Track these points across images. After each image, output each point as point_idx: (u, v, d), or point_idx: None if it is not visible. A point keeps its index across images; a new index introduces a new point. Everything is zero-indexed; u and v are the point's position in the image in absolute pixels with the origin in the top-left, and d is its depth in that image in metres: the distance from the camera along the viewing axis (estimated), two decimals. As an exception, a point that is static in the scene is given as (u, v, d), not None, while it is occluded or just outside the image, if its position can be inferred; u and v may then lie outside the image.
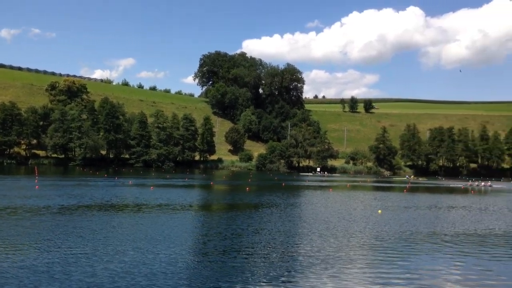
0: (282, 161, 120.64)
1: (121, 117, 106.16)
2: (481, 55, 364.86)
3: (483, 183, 73.14)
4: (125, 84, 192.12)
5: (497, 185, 75.89)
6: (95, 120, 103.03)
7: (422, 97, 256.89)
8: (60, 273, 11.73)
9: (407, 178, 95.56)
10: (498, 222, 25.04)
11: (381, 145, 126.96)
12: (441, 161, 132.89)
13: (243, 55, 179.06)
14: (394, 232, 20.21)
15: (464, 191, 56.39)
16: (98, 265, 12.59)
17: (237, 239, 17.16)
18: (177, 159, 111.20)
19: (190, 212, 25.37)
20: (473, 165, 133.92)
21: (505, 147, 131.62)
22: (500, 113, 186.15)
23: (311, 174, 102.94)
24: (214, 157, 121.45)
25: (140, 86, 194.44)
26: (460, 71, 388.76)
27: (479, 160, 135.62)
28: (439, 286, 11.89)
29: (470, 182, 78.15)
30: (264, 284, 11.49)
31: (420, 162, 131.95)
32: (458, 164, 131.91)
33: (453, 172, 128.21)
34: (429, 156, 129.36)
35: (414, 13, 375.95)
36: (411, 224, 22.80)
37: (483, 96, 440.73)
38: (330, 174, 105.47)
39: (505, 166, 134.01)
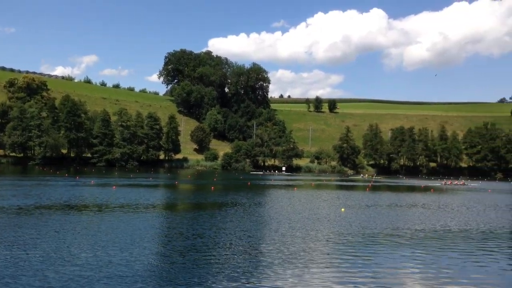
0: (247, 160, 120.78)
1: (83, 115, 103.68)
2: (441, 57, 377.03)
3: (456, 182, 76.45)
4: (87, 81, 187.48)
5: (472, 184, 78.90)
6: (55, 118, 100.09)
7: (385, 98, 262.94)
8: (8, 277, 11.16)
9: (362, 177, 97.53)
10: (456, 220, 25.70)
11: (344, 145, 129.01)
12: (402, 160, 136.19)
13: (208, 53, 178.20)
14: (356, 230, 20.40)
15: (424, 189, 57.85)
16: (50, 269, 12.04)
17: (199, 239, 16.88)
18: (141, 158, 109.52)
19: (153, 212, 24.86)
20: (432, 164, 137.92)
21: (463, 147, 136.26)
22: (458, 113, 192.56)
23: (261, 173, 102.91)
24: (179, 156, 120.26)
25: (103, 84, 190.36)
26: (436, 75, 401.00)
27: (438, 159, 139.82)
28: (399, 283, 12.01)
29: (444, 181, 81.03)
30: (225, 284, 11.29)
31: (382, 161, 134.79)
32: (418, 163, 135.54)
33: (413, 171, 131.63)
34: (391, 155, 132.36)
35: (377, 15, 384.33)
36: (373, 222, 23.10)
37: (443, 97, 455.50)
38: (279, 173, 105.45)
39: (463, 165, 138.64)
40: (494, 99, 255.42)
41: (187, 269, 12.52)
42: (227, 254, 14.55)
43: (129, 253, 14.22)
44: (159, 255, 14.25)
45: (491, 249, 17.27)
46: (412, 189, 58.80)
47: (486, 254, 16.21)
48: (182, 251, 14.85)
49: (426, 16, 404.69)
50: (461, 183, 75.16)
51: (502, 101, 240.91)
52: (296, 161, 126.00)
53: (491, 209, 33.19)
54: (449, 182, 76.79)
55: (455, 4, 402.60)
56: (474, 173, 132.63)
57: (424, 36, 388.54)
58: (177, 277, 11.72)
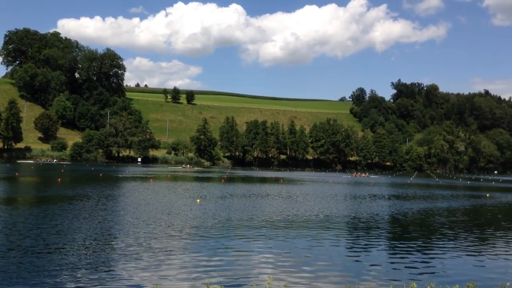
0: (100, 150, 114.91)
1: None
2: (292, 56, 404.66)
3: (362, 174, 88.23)
4: None
5: (373, 176, 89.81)
6: None
7: (241, 92, 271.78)
8: None
9: (183, 167, 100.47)
10: (301, 208, 27.73)
11: (202, 136, 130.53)
12: (256, 152, 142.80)
13: (56, 35, 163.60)
14: (211, 220, 20.73)
15: (275, 180, 61.41)
16: None
17: (43, 236, 15.42)
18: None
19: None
20: (283, 156, 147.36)
21: (309, 141, 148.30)
22: (306, 109, 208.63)
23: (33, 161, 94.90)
24: (20, 145, 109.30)
25: None
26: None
27: (288, 152, 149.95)
28: (253, 268, 12.49)
29: (355, 173, 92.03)
30: (74, 283, 10.51)
31: (237, 153, 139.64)
32: (270, 155, 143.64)
33: (266, 163, 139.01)
34: (246, 147, 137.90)
35: (236, 10, 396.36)
36: (227, 212, 23.70)
37: (293, 94, 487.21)
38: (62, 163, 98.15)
39: (309, 157, 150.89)
40: (336, 97, 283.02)
41: (30, 269, 11.36)
42: (76, 250, 13.55)
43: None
44: (-6, 256, 12.65)
45: (331, 233, 19.03)
46: (263, 180, 61.97)
47: (327, 238, 17.81)
48: (24, 249, 13.41)
49: (280, 17, 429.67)
50: (366, 175, 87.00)
51: (343, 99, 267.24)
52: (152, 152, 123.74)
53: (330, 198, 36.66)
54: (358, 175, 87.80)
55: (307, 7, 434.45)
56: (318, 164, 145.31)
57: (278, 35, 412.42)
58: (19, 278, 10.57)
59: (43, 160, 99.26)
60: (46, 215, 20.17)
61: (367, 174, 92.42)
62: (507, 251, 16.51)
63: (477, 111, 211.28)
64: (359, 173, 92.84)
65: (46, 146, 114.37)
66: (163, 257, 13.35)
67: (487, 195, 45.22)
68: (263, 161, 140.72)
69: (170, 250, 14.27)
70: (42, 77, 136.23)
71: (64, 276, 11.03)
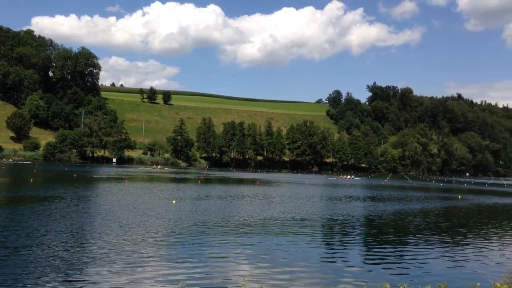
0: (74, 150, 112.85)
1: None
2: (270, 57, 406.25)
3: (347, 176, 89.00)
4: None
5: (357, 177, 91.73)
6: None
7: (218, 92, 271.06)
8: None
9: (154, 167, 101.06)
10: (277, 209, 27.74)
11: (178, 137, 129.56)
12: (232, 153, 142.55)
13: (30, 33, 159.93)
14: (187, 221, 20.54)
15: (251, 182, 61.38)
16: None
17: (11, 239, 14.98)
18: None
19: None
20: (259, 158, 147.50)
21: (286, 142, 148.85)
22: (283, 111, 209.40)
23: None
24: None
25: None
26: (233, 75, 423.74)
27: (265, 153, 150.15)
28: (229, 270, 12.41)
29: (341, 176, 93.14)
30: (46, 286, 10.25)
31: (214, 154, 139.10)
32: (247, 157, 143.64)
33: (242, 164, 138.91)
34: (223, 148, 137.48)
35: (214, 11, 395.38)
36: (203, 213, 23.54)
37: (270, 95, 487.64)
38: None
39: (286, 159, 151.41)
40: (313, 99, 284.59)
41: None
42: (39, 257, 13.22)
43: None
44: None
45: (307, 234, 19.11)
46: (240, 181, 61.87)
47: (303, 239, 17.86)
48: (-10, 253, 13.02)
49: (258, 18, 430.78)
50: (352, 177, 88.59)
51: (319, 101, 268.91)
52: (128, 153, 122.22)
53: (306, 199, 36.82)
54: (344, 177, 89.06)
55: (284, 9, 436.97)
56: (295, 166, 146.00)
57: (256, 36, 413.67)
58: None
59: None
60: (15, 217, 19.64)
61: (353, 176, 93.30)
62: (478, 252, 16.87)
63: (450, 114, 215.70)
64: (345, 176, 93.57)
65: (18, 146, 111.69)
66: (137, 259, 13.15)
67: (459, 197, 46.16)
68: (240, 162, 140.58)
69: (145, 253, 14.06)
70: (14, 76, 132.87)
71: (33, 281, 10.74)
